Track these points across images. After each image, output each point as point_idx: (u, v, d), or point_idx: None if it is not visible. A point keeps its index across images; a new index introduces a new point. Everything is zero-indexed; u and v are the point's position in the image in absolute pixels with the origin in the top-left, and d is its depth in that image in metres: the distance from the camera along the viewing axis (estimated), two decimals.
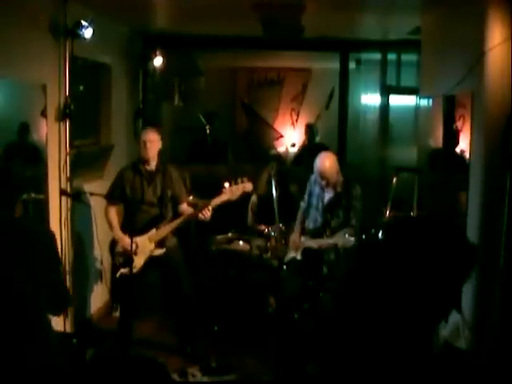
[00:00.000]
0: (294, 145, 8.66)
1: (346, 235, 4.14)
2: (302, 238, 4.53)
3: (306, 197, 4.64)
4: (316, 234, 4.50)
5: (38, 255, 2.29)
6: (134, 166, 4.28)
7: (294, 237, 4.56)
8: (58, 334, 3.05)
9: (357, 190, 4.43)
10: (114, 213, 4.30)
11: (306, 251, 4.45)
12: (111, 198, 4.28)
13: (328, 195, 4.48)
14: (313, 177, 4.59)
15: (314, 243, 4.41)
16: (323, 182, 4.36)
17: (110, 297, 5.31)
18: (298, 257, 4.46)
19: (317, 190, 4.55)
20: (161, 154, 4.34)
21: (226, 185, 4.14)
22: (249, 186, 4.17)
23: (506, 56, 3.44)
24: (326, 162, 4.32)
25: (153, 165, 4.26)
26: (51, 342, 2.34)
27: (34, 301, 2.26)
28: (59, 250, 2.92)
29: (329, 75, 7.48)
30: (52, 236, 2.42)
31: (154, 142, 4.20)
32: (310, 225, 4.59)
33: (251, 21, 4.85)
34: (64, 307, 2.85)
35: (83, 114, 4.87)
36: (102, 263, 5.02)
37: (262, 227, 4.80)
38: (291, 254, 4.50)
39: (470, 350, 3.53)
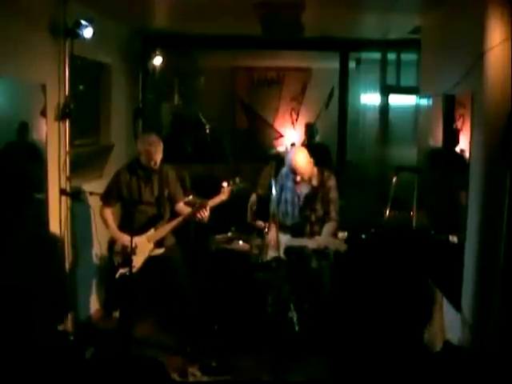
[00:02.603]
0: (293, 144, 8.66)
1: (337, 236, 4.09)
2: (282, 236, 4.34)
3: (277, 191, 4.41)
4: (296, 230, 4.44)
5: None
6: (131, 167, 4.26)
7: (272, 234, 4.36)
8: (57, 333, 3.06)
9: (332, 181, 4.42)
10: (109, 213, 4.28)
11: (289, 251, 4.30)
12: (107, 199, 4.26)
13: (304, 190, 4.45)
14: (284, 170, 4.56)
15: (298, 242, 4.32)
16: (297, 178, 4.34)
17: (106, 296, 5.27)
18: (282, 255, 4.23)
19: (290, 184, 4.50)
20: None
21: (225, 184, 4.15)
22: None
23: (506, 56, 3.43)
24: (297, 157, 4.33)
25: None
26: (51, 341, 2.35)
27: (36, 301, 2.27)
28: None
29: (329, 75, 7.48)
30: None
31: (159, 153, 4.13)
32: (287, 221, 4.51)
33: (251, 20, 4.86)
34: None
35: (83, 114, 4.87)
36: (101, 262, 5.03)
37: (260, 223, 4.77)
38: (272, 253, 4.33)
39: (470, 349, 3.53)
